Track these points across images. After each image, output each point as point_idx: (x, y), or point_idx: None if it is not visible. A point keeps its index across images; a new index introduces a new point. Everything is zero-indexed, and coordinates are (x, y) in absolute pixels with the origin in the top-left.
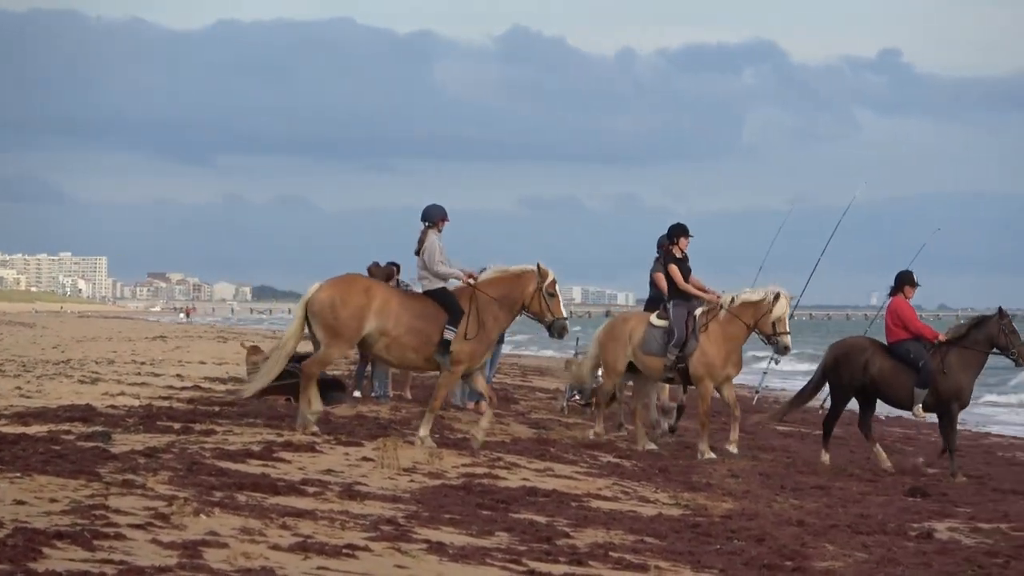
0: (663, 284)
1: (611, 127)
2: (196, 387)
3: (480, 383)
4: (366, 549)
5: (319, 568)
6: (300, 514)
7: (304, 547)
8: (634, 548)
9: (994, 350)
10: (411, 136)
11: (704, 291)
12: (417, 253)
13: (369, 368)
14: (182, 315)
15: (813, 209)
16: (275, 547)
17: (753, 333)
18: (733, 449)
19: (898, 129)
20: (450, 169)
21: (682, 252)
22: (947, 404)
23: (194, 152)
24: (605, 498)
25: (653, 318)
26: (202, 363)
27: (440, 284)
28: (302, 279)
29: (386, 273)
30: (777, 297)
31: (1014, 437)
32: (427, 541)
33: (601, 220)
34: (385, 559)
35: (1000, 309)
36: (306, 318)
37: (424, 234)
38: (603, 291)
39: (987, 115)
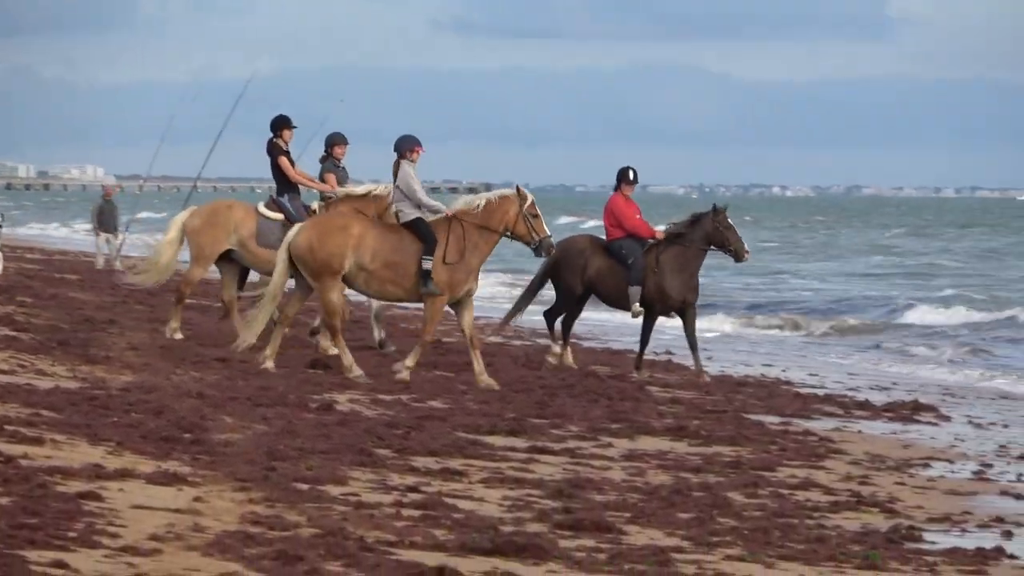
0: (333, 183)
1: None
2: None
3: (467, 319)
4: None
5: None
6: None
7: None
8: (29, 421)
9: (711, 247)
10: None
11: (312, 182)
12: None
13: None
14: None
15: (219, 81)
16: None
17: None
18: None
19: (300, 2)
20: None
21: (286, 144)
22: (665, 303)
23: None
24: (0, 371)
25: (262, 208)
26: None
27: (416, 215)
28: None
29: None
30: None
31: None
32: None
33: None
34: None
35: (714, 206)
36: (291, 262)
37: (396, 165)
38: (4, 163)
39: None
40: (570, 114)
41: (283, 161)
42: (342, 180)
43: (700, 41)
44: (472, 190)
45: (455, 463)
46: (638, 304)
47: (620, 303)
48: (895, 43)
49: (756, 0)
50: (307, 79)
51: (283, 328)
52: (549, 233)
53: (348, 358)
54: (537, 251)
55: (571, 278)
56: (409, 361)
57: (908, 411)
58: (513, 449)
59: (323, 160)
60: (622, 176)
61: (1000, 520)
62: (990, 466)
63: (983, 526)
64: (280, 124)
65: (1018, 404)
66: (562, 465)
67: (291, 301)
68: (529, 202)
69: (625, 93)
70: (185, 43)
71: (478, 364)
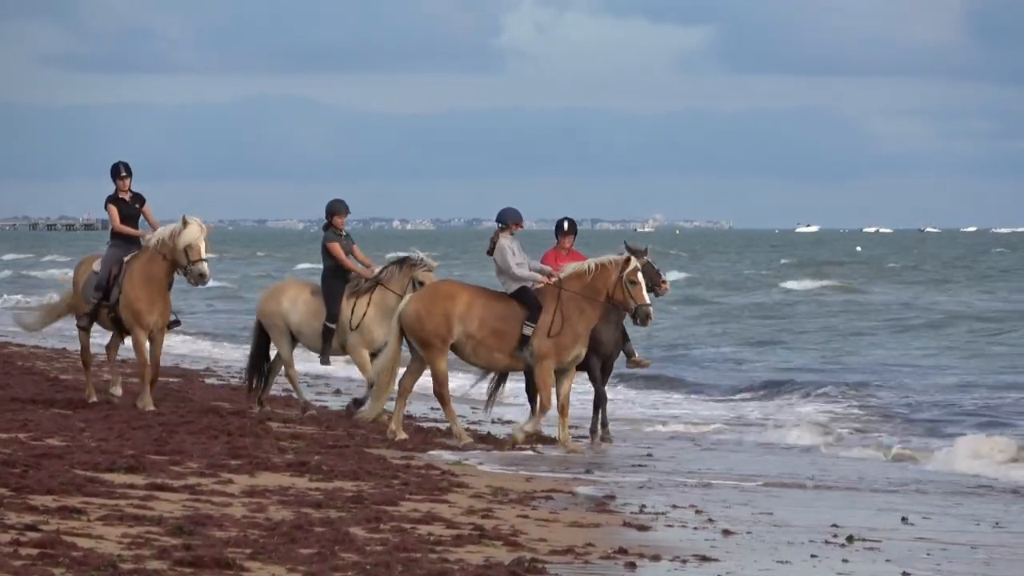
0: (339, 253)
1: None
2: None
3: (565, 387)
4: None
5: None
6: None
7: None
8: None
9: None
10: None
11: (130, 229)
12: (489, 253)
13: None
14: None
15: None
16: None
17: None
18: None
19: None
20: None
21: (121, 192)
22: (597, 351)
23: None
24: None
25: (95, 263)
26: None
27: (518, 285)
28: None
29: None
30: (185, 223)
31: (34, 347)
32: None
33: None
34: None
35: (630, 249)
36: (403, 333)
37: (496, 236)
38: None
39: None
40: (186, 149)
41: (110, 210)
42: (346, 248)
43: (314, 74)
44: (89, 226)
45: (74, 501)
46: None
47: None
48: (507, 74)
49: (370, 32)
50: None
51: (403, 401)
52: (649, 301)
53: (458, 426)
54: (634, 318)
55: None
56: (529, 427)
57: (531, 443)
58: (132, 486)
59: (325, 228)
60: (557, 228)
61: (623, 551)
62: (612, 498)
63: (606, 557)
64: (112, 171)
65: (634, 434)
66: (182, 502)
67: (408, 373)
68: (631, 268)
69: (240, 127)
70: None
71: (563, 432)
